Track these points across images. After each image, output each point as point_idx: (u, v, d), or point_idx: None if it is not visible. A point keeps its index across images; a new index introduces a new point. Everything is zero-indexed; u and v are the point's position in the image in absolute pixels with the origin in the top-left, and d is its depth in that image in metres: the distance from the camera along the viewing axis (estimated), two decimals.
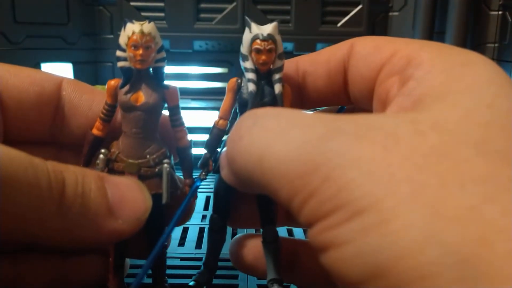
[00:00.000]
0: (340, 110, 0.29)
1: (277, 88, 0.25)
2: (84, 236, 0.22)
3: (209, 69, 0.63)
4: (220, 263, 0.30)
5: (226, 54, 0.62)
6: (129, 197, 0.23)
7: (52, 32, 0.57)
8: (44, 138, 0.28)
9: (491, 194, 0.13)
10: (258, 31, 0.25)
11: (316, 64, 0.27)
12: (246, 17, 0.25)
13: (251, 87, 0.25)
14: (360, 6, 0.60)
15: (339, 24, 0.60)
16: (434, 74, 0.19)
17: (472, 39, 0.60)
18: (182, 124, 0.27)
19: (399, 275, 0.13)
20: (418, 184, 0.14)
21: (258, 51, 0.25)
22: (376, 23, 0.63)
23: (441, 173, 0.14)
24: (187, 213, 0.28)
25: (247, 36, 0.25)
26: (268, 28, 0.25)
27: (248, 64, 0.25)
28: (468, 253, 0.12)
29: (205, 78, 0.63)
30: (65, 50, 0.59)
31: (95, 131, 0.26)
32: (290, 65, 0.27)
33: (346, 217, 0.14)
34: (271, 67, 0.25)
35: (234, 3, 0.59)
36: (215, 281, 0.32)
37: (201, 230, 0.42)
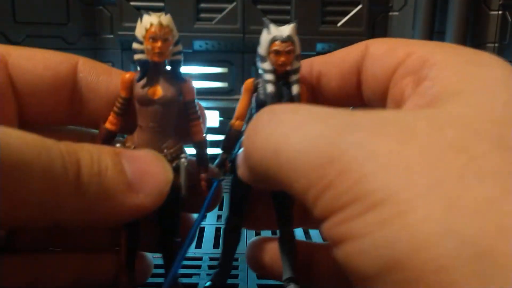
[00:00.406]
0: None
1: (295, 89, 0.25)
2: (105, 215, 0.21)
3: (209, 69, 0.63)
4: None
5: (226, 54, 0.62)
6: (148, 170, 0.22)
7: (52, 32, 0.57)
8: (62, 122, 0.27)
9: (509, 187, 0.13)
10: (277, 32, 0.25)
11: (330, 65, 0.27)
12: (264, 19, 0.25)
13: (270, 88, 0.25)
14: (360, 6, 0.60)
15: (339, 24, 0.60)
16: (448, 73, 0.19)
17: (472, 39, 0.60)
18: (198, 118, 0.26)
19: (415, 267, 0.13)
20: (436, 177, 0.14)
21: (277, 52, 0.25)
22: (376, 23, 0.63)
23: (458, 167, 0.14)
24: (213, 204, 0.28)
25: (265, 37, 0.25)
26: (287, 29, 0.25)
27: (266, 66, 0.25)
28: (486, 245, 0.12)
29: (205, 78, 0.63)
30: (65, 50, 0.58)
31: (108, 125, 0.26)
32: (304, 66, 0.27)
33: (362, 209, 0.14)
34: (289, 68, 0.25)
35: (234, 3, 0.59)
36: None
37: (201, 230, 0.42)
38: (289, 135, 0.17)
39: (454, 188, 0.13)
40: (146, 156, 0.23)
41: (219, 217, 0.45)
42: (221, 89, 0.62)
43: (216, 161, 0.27)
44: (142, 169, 0.22)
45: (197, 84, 0.26)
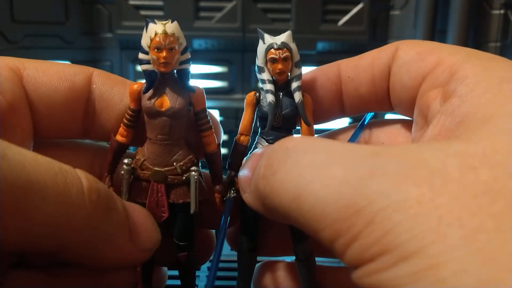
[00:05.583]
0: (363, 123, 0.28)
1: (297, 96, 0.25)
2: (103, 254, 0.21)
3: (208, 68, 0.62)
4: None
5: (226, 53, 0.61)
6: (144, 225, 0.22)
7: (51, 31, 0.57)
8: (77, 135, 0.27)
9: None
10: (271, 40, 0.24)
11: (359, 69, 0.26)
12: (259, 29, 0.25)
13: (270, 97, 0.25)
14: (361, 5, 0.59)
15: (339, 23, 0.60)
16: (478, 92, 0.18)
17: (474, 38, 0.60)
18: (210, 128, 0.25)
19: None
20: (471, 228, 0.13)
21: (274, 60, 0.24)
22: (377, 22, 0.62)
23: (495, 215, 0.13)
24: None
25: (261, 48, 0.25)
26: (282, 37, 0.25)
27: (265, 76, 0.25)
28: None
29: (205, 77, 0.62)
30: (63, 49, 0.58)
31: (118, 138, 0.25)
32: (331, 69, 0.26)
33: (393, 261, 0.14)
34: (289, 76, 0.25)
35: (234, 2, 0.58)
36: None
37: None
38: (310, 180, 0.16)
39: (492, 240, 0.13)
40: (140, 210, 0.23)
41: None
42: (221, 89, 0.61)
43: (225, 180, 0.26)
44: (139, 223, 0.22)
45: (196, 84, 0.25)
